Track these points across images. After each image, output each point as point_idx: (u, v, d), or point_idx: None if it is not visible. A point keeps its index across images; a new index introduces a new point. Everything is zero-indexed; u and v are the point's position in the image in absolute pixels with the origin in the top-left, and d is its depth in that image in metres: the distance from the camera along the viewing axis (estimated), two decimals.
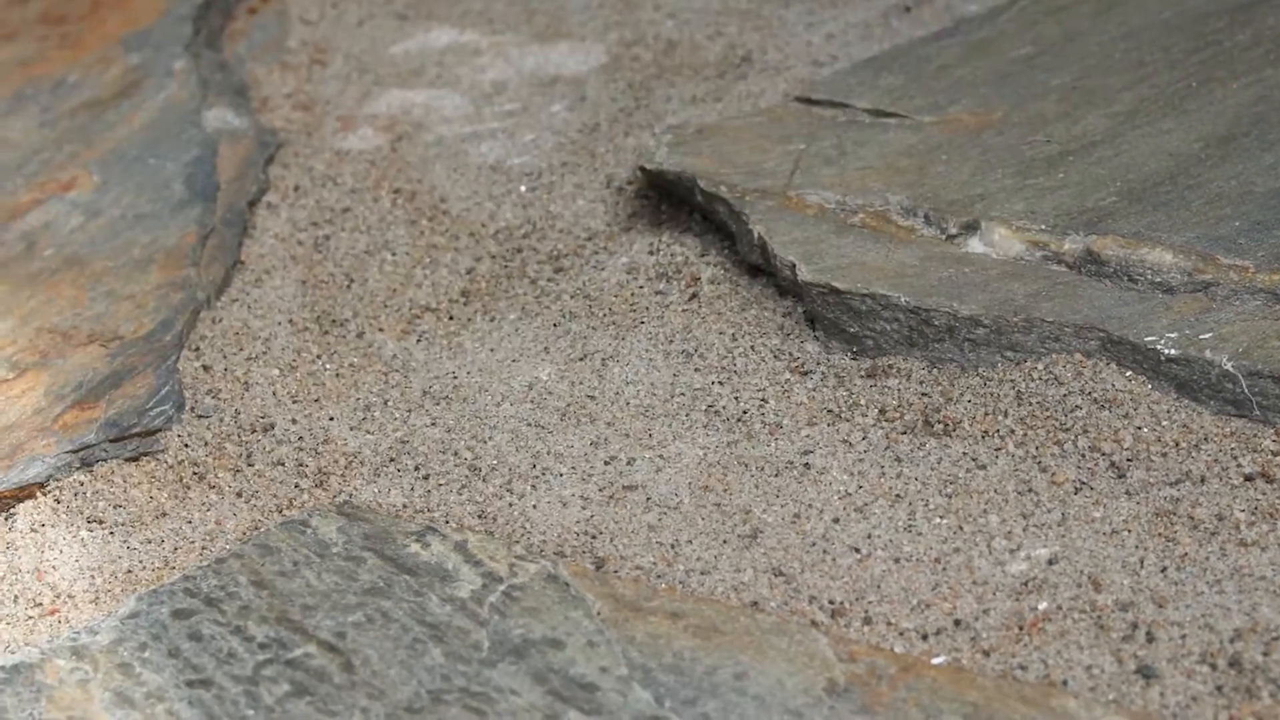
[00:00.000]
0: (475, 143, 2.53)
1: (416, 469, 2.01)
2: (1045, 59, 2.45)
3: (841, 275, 2.09)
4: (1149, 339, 1.97)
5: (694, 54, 2.65)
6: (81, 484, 2.03)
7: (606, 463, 1.99)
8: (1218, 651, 1.71)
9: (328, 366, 2.18)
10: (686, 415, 2.04)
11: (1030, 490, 1.90)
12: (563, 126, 2.54)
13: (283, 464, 2.04)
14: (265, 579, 1.83)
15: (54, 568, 1.94)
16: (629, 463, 1.99)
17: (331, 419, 2.10)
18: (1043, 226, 2.12)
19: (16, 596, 1.91)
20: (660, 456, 1.99)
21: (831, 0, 2.74)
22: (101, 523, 1.99)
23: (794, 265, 2.11)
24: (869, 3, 2.72)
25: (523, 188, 2.44)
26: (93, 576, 1.93)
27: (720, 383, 2.08)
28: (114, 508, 2.00)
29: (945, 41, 2.53)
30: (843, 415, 2.01)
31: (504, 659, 1.72)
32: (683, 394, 2.07)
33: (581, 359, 2.14)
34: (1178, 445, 1.92)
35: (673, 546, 1.88)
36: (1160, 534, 1.83)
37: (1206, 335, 1.96)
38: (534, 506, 1.95)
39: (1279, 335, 1.94)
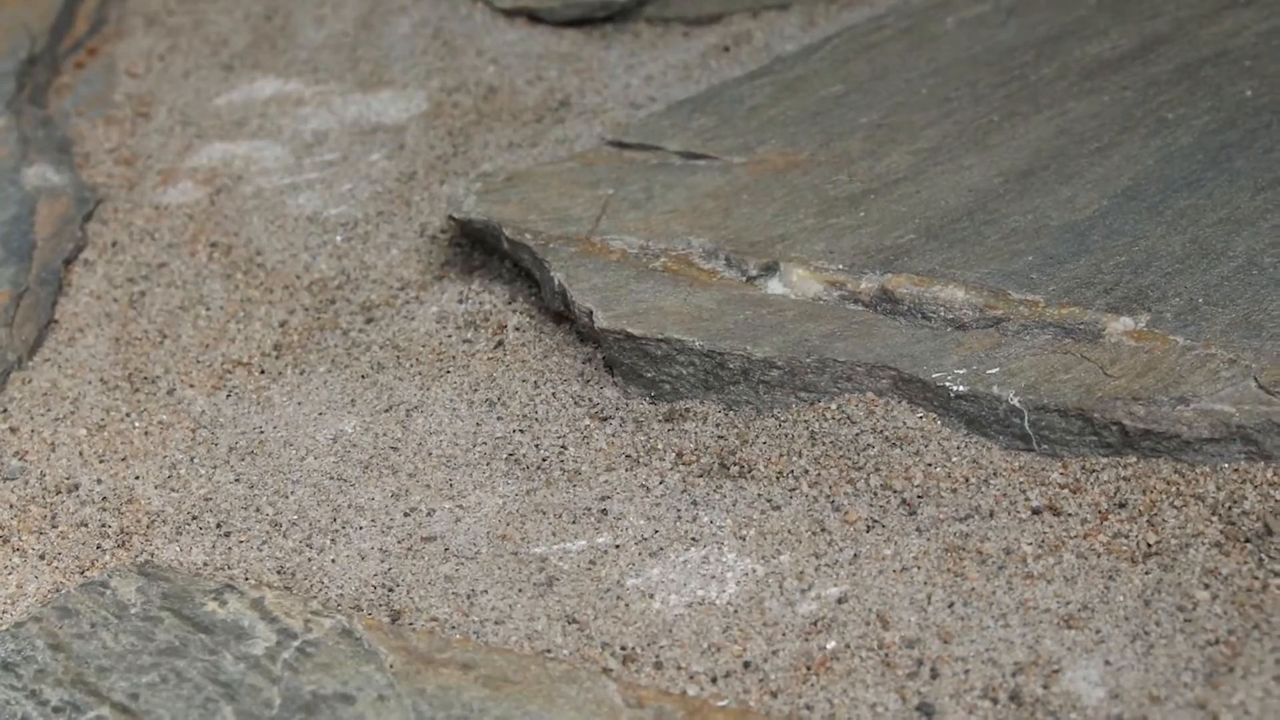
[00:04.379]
0: (294, 194, 2.54)
1: (218, 526, 2.02)
2: (854, 97, 2.48)
3: (638, 321, 2.10)
4: (937, 376, 1.99)
5: (513, 99, 2.67)
6: None
7: (406, 514, 2.00)
8: (999, 685, 1.73)
9: (136, 425, 2.18)
10: (487, 464, 2.05)
11: (823, 530, 1.92)
12: (380, 175, 2.55)
13: (86, 525, 2.04)
14: (63, 642, 1.83)
15: None
16: (429, 514, 2.00)
17: (137, 478, 2.10)
18: (841, 266, 2.14)
19: None
20: (460, 507, 2.00)
21: (652, 42, 2.76)
22: None
23: (591, 312, 2.12)
24: (689, 44, 2.74)
25: (338, 238, 2.44)
26: None
27: (521, 431, 2.09)
28: None
29: (759, 81, 2.56)
30: (640, 460, 2.03)
31: (294, 716, 1.73)
32: (485, 443, 2.08)
33: (387, 410, 2.15)
34: (967, 481, 1.94)
35: (469, 597, 1.89)
36: (949, 569, 1.85)
37: (994, 371, 1.98)
38: (333, 561, 1.95)
39: (1066, 369, 1.97)
